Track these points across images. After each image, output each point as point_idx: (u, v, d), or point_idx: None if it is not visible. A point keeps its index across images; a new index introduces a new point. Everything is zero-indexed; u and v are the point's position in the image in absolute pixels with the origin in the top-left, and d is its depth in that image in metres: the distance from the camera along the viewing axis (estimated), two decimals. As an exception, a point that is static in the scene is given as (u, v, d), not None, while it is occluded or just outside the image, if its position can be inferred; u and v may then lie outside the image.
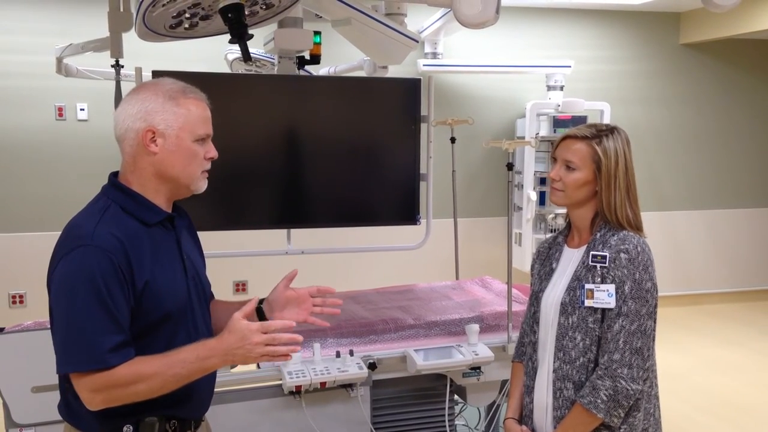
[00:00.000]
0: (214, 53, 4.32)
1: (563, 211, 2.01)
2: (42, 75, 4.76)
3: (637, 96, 6.16)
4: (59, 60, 4.00)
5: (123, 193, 1.57)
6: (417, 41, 3.14)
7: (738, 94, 6.39)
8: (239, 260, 4.76)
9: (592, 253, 1.82)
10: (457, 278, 3.80)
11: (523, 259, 5.59)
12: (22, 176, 4.98)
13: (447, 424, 2.81)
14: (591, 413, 1.77)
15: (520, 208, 5.65)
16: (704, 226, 6.44)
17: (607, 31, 6.05)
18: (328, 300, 1.78)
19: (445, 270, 5.01)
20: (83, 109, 5.00)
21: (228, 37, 2.30)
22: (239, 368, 2.52)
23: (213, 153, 1.63)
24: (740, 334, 5.61)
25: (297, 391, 2.50)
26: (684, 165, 6.34)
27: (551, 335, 1.88)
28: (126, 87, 2.74)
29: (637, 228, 1.86)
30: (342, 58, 4.50)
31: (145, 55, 3.35)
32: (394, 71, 3.95)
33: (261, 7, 2.43)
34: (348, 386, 2.59)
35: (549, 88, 5.59)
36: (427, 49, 5.50)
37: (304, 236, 3.40)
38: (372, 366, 2.61)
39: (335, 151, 2.99)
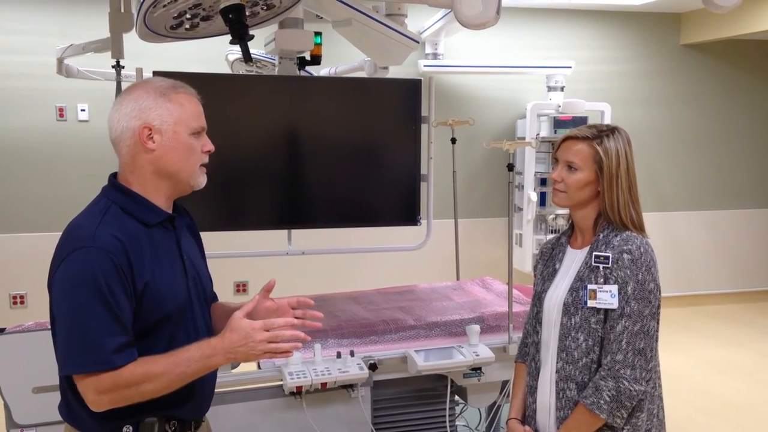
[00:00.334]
0: (214, 54, 4.32)
1: (564, 211, 2.01)
2: (43, 75, 4.75)
3: (637, 96, 6.15)
4: (60, 60, 4.00)
5: (123, 193, 1.57)
6: (417, 42, 3.14)
7: (738, 94, 6.39)
8: (240, 261, 4.76)
9: (594, 253, 1.82)
10: (457, 279, 3.80)
11: (524, 259, 5.60)
12: (23, 177, 4.97)
13: (448, 424, 2.80)
14: (594, 414, 1.77)
15: (521, 209, 5.64)
16: (705, 226, 6.43)
17: (607, 31, 6.05)
18: (308, 312, 1.73)
19: (445, 271, 5.01)
20: (84, 110, 5.00)
21: (229, 37, 2.30)
22: (240, 369, 2.53)
23: (210, 146, 1.63)
24: (741, 334, 5.60)
25: (298, 392, 2.50)
26: (684, 165, 6.34)
27: (554, 336, 1.88)
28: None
29: (640, 228, 1.86)
30: (343, 58, 4.50)
31: (146, 55, 3.36)
32: (394, 72, 3.95)
33: (262, 8, 2.43)
34: (349, 387, 2.59)
35: (549, 88, 5.59)
36: (428, 49, 5.50)
37: (304, 237, 3.39)
38: (373, 366, 2.61)
39: (336, 152, 2.99)
